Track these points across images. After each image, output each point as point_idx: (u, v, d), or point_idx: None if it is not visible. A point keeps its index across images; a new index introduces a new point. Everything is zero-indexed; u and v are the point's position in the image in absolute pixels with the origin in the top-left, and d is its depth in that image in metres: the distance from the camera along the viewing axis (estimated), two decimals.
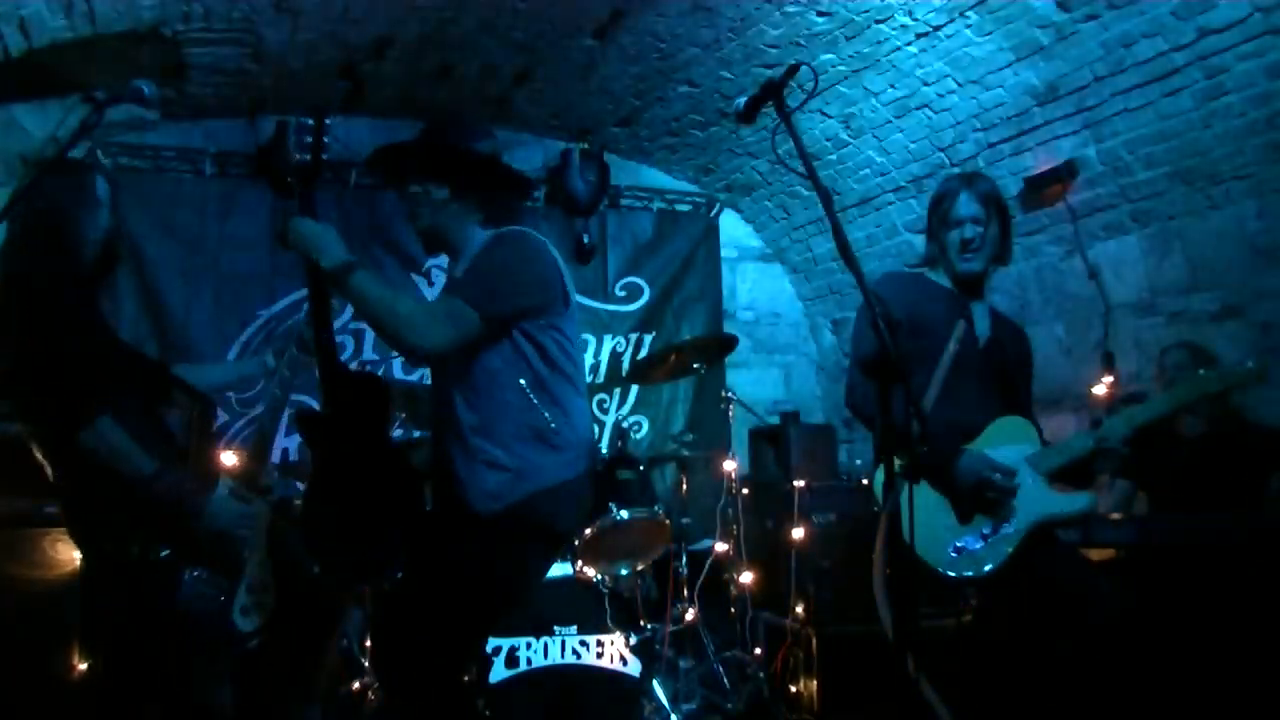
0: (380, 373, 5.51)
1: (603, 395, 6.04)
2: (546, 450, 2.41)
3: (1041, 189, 4.59)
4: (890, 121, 4.95)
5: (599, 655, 3.76)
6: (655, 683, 3.88)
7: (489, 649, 3.64)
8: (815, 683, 4.12)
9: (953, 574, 2.57)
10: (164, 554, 2.45)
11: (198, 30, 4.35)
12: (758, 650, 4.49)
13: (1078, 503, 2.69)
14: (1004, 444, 2.70)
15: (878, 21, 4.33)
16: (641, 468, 4.33)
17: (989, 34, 4.18)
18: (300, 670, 2.78)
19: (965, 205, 2.84)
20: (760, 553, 4.74)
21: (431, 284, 5.68)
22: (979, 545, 2.60)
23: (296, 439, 5.29)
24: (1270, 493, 3.76)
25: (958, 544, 2.61)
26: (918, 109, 4.79)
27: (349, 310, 5.50)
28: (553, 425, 2.42)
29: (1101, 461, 2.71)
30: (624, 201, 6.16)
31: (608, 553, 4.03)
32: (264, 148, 5.29)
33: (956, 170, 4.88)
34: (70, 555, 3.48)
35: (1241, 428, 3.86)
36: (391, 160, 2.59)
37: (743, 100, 2.17)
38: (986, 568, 2.57)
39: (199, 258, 5.28)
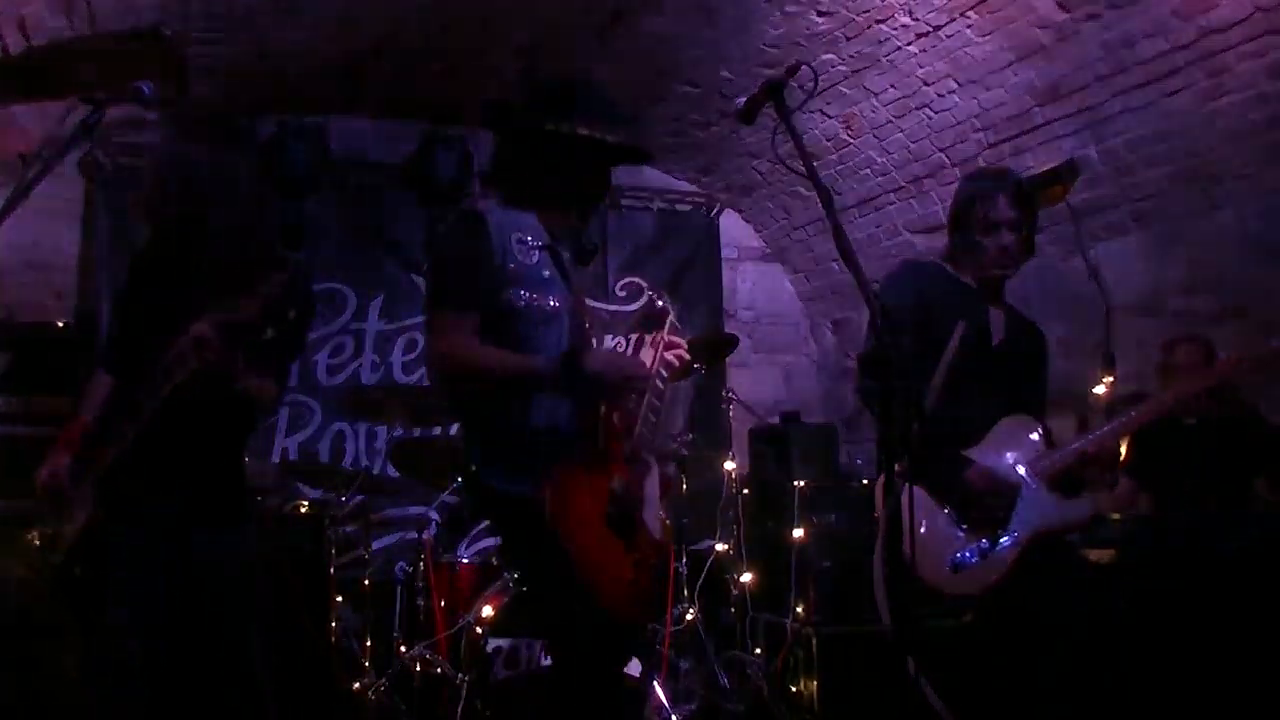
0: (379, 374, 5.52)
1: None
2: None
3: (1042, 189, 4.57)
4: (890, 121, 4.95)
5: None
6: (655, 683, 3.88)
7: (489, 649, 3.64)
8: (815, 683, 4.12)
9: (952, 591, 2.55)
10: None
11: (198, 30, 4.35)
12: (758, 650, 4.49)
13: (1079, 510, 2.67)
14: (1007, 446, 2.68)
15: (878, 21, 4.33)
16: None
17: (989, 34, 4.18)
18: None
19: (1005, 209, 2.74)
20: (760, 553, 4.74)
21: None
22: (976, 559, 2.57)
23: (296, 439, 5.30)
24: (1252, 491, 3.76)
25: (956, 558, 2.58)
26: (918, 109, 4.79)
27: (349, 310, 5.52)
28: None
29: (1092, 471, 2.68)
30: (624, 201, 6.15)
31: None
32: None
33: (958, 170, 4.88)
34: None
35: (1243, 423, 3.82)
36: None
37: (743, 100, 2.16)
38: (984, 584, 2.55)
39: None
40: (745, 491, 4.85)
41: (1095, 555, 3.35)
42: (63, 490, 2.46)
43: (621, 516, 2.27)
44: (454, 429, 5.36)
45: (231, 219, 2.54)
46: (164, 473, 2.43)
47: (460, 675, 3.71)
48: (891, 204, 5.44)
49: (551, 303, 2.32)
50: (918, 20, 4.24)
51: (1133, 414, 2.71)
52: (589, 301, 3.14)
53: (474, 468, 2.33)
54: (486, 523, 4.19)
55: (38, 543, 2.58)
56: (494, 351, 2.25)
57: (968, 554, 2.58)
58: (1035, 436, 2.72)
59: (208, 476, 2.50)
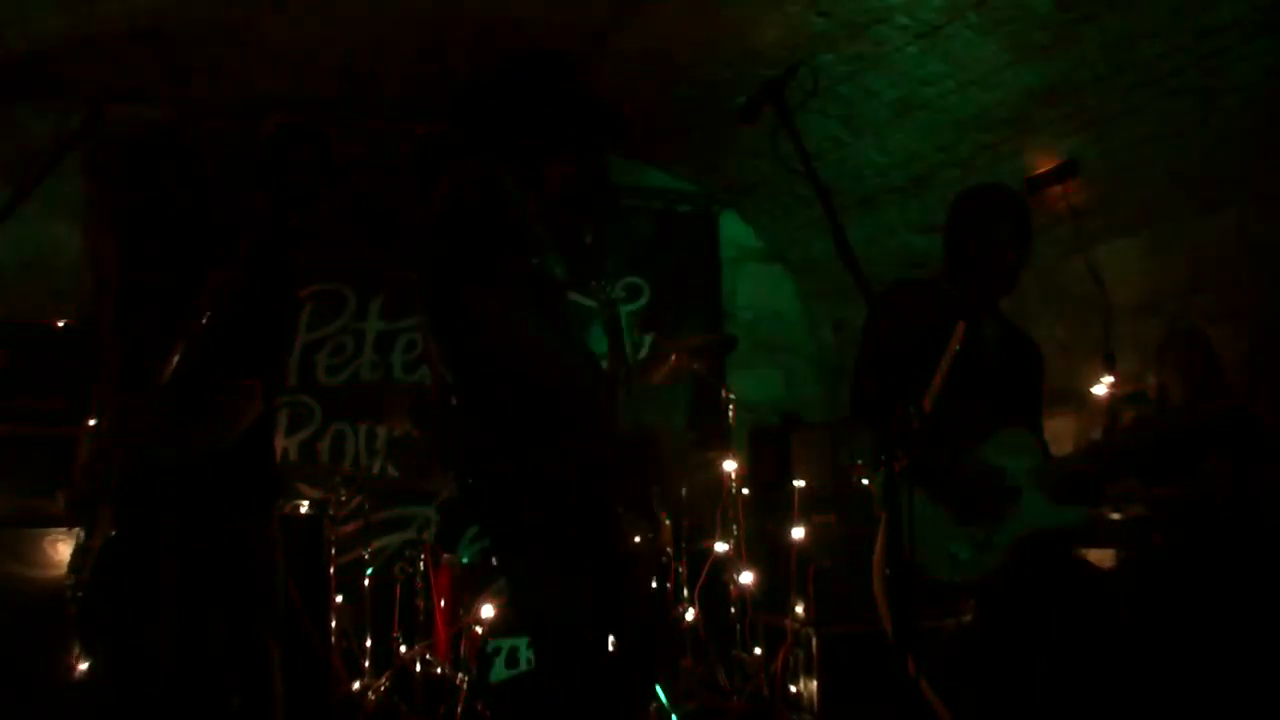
0: (379, 374, 5.51)
1: None
2: None
3: (1041, 189, 4.58)
4: (890, 121, 4.95)
5: None
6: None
7: (489, 649, 3.64)
8: (815, 683, 4.12)
9: (941, 578, 2.57)
10: None
11: (198, 30, 4.35)
12: (758, 650, 4.49)
13: (1074, 516, 2.68)
14: (1006, 456, 2.68)
15: (878, 21, 4.32)
16: None
17: (989, 34, 4.18)
18: None
19: (1008, 231, 2.74)
20: (760, 553, 4.74)
21: None
22: (969, 552, 2.59)
23: (296, 439, 5.30)
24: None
25: (950, 549, 2.60)
26: (918, 109, 4.79)
27: (349, 310, 5.52)
28: None
29: (1110, 472, 2.69)
30: (624, 202, 6.15)
31: None
32: None
33: (958, 170, 4.88)
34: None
35: (1241, 422, 3.85)
36: None
37: (743, 100, 2.16)
38: (974, 575, 2.56)
39: None
40: (745, 491, 4.85)
41: (1095, 555, 3.36)
42: (82, 507, 2.44)
43: (634, 509, 2.28)
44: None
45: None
46: (175, 471, 2.42)
47: (460, 675, 3.71)
48: (891, 204, 5.44)
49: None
50: (918, 20, 4.24)
51: (1152, 421, 2.71)
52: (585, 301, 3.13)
53: (479, 441, 2.24)
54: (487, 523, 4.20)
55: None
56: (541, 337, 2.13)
57: (962, 546, 2.59)
58: (1035, 447, 2.73)
59: (219, 473, 2.48)
